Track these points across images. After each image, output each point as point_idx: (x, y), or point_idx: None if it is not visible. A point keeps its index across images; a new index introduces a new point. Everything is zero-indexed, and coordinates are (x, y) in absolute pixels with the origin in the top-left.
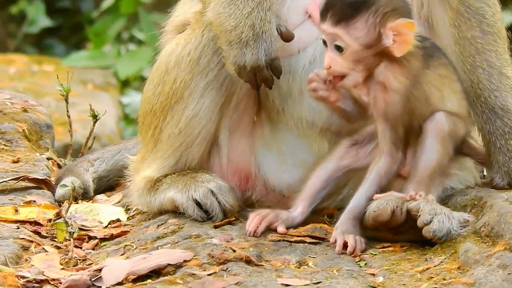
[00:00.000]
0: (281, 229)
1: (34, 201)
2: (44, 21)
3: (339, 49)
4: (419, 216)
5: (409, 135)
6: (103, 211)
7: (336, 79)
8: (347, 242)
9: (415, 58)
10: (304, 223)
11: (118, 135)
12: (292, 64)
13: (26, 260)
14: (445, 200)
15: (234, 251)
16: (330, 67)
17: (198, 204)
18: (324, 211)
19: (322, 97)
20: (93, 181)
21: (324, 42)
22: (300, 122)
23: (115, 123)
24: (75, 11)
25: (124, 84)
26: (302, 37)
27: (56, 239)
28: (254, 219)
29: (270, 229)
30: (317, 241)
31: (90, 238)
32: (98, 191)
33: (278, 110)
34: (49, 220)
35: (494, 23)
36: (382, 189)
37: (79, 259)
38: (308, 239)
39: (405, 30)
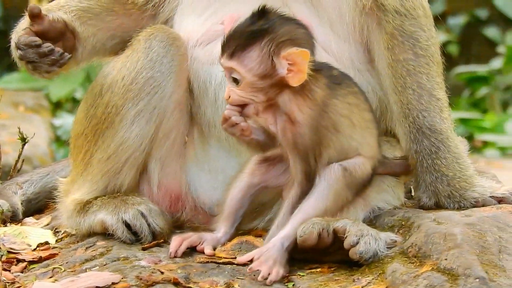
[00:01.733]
0: (208, 250)
1: None
2: None
3: (235, 81)
4: (346, 237)
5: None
6: (31, 234)
7: (238, 108)
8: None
9: (319, 87)
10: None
11: (50, 157)
12: (220, 72)
13: None
14: (372, 220)
15: (162, 273)
16: (229, 97)
17: (127, 226)
18: (252, 232)
19: (240, 130)
20: (21, 203)
21: (224, 75)
22: (229, 136)
23: (47, 145)
24: (8, 33)
25: (56, 106)
26: (214, 50)
27: None
28: (176, 241)
29: (197, 251)
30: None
31: (19, 261)
32: (27, 214)
33: (209, 124)
34: None
35: (428, 47)
36: None
37: (8, 282)
38: (236, 261)
39: (298, 59)
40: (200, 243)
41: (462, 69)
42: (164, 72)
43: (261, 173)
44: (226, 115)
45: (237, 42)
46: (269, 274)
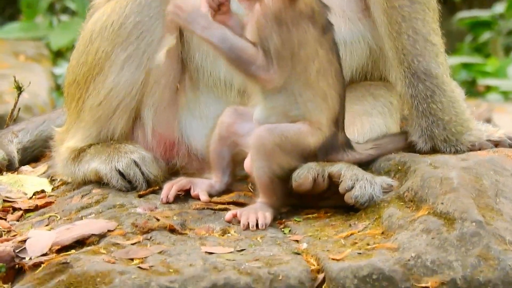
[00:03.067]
0: (203, 197)
1: None
2: None
3: None
4: (341, 182)
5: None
6: (27, 182)
7: None
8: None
9: (306, 5)
10: (228, 191)
11: (51, 106)
12: None
13: None
14: (368, 165)
15: (158, 220)
16: None
17: (121, 174)
18: (248, 179)
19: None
20: (17, 152)
21: None
22: (218, 82)
23: (48, 94)
24: None
25: (57, 55)
26: None
27: None
28: (166, 186)
29: (193, 198)
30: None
31: (15, 209)
32: (23, 162)
33: (198, 69)
34: None
35: None
36: None
37: (4, 231)
38: (232, 207)
39: None
40: (190, 187)
41: (464, 14)
42: (152, 16)
43: (228, 125)
44: (190, 9)
45: None
46: (257, 219)
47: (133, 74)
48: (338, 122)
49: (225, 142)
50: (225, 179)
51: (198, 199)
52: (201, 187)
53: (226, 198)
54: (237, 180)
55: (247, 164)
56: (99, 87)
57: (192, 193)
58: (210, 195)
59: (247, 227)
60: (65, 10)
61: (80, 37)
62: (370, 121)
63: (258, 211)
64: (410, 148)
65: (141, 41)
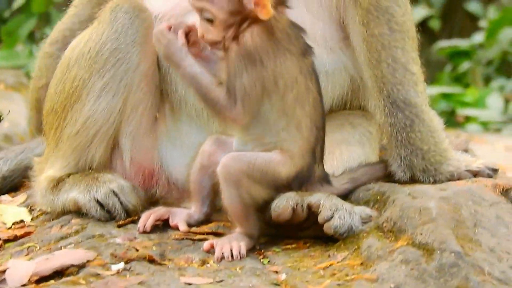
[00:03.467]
0: (182, 227)
1: None
2: None
3: (208, 20)
4: (320, 212)
5: None
6: (7, 212)
7: (210, 45)
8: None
9: (280, 30)
10: (207, 221)
11: (30, 135)
12: None
13: None
14: (347, 195)
15: (137, 250)
16: (204, 35)
17: (100, 204)
18: None
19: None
20: None
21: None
22: (201, 112)
23: (27, 123)
24: None
25: None
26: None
27: None
28: (144, 216)
29: (172, 228)
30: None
31: None
32: (2, 192)
33: (180, 100)
34: None
35: (403, 22)
36: None
37: None
38: (211, 237)
39: None
40: (168, 216)
41: (444, 43)
42: (129, 44)
43: (209, 154)
44: (166, 42)
45: None
46: (231, 250)
47: (110, 101)
48: (315, 153)
49: (206, 171)
50: (204, 209)
51: (177, 229)
52: (179, 216)
53: (205, 228)
54: (217, 210)
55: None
56: (77, 116)
57: (171, 223)
58: (189, 225)
59: (222, 258)
60: (45, 38)
61: (59, 64)
62: (348, 150)
63: (233, 241)
64: (389, 177)
65: (118, 69)
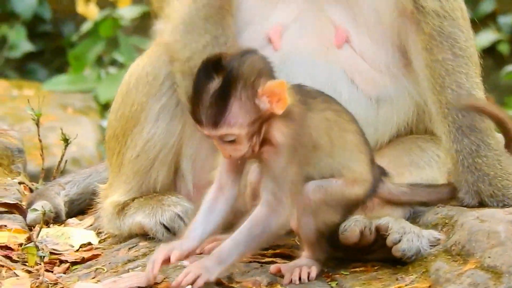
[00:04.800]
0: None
1: (5, 226)
2: (25, 46)
3: (231, 142)
4: (388, 235)
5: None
6: (74, 235)
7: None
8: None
9: (294, 104)
10: (275, 246)
11: (98, 158)
12: None
13: None
14: (415, 218)
15: None
16: (231, 156)
17: (166, 228)
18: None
19: None
20: (64, 204)
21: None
22: None
23: (95, 147)
24: (57, 35)
25: (105, 108)
26: None
27: (27, 264)
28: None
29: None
30: (287, 261)
31: (61, 262)
32: (70, 215)
33: None
34: (20, 245)
35: (467, 48)
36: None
37: (50, 283)
38: (278, 260)
39: (276, 89)
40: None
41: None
42: None
43: (256, 183)
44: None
45: (214, 108)
46: (300, 275)
47: (168, 124)
48: (373, 158)
49: (257, 199)
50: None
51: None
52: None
53: (271, 251)
54: None
55: (292, 221)
56: (136, 139)
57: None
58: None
59: (290, 282)
60: (113, 62)
61: (118, 90)
62: (418, 172)
63: (303, 266)
64: (453, 201)
65: (174, 92)
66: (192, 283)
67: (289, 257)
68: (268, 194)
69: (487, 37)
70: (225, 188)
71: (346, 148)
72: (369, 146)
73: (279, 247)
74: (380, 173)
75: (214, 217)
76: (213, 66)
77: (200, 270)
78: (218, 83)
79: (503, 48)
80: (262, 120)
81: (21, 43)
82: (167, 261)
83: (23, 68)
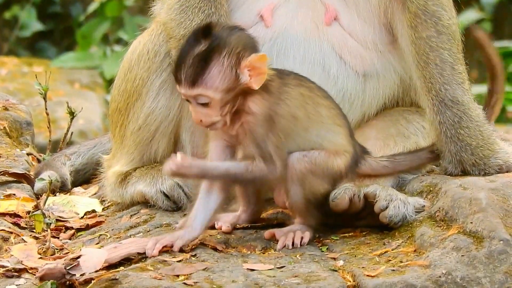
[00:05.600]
0: (225, 228)
1: (14, 194)
2: (35, 25)
3: (204, 104)
4: (376, 202)
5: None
6: (79, 203)
7: (208, 126)
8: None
9: (269, 79)
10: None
11: (104, 131)
12: None
13: (6, 250)
14: (402, 186)
15: (203, 238)
16: (201, 120)
17: (166, 196)
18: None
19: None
20: (70, 174)
21: (186, 100)
22: None
23: (101, 120)
24: (66, 16)
25: (110, 83)
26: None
27: (34, 230)
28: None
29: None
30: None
31: (67, 228)
32: (75, 184)
33: None
34: (28, 212)
35: (449, 25)
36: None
37: (56, 249)
38: (275, 222)
39: (258, 63)
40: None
41: (495, 45)
42: None
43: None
44: (180, 170)
45: (194, 67)
46: (294, 240)
47: (168, 99)
48: (352, 132)
49: None
50: (251, 207)
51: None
52: (225, 219)
53: (265, 215)
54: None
55: (277, 196)
56: (138, 113)
57: (216, 226)
58: (233, 226)
59: (284, 247)
60: (118, 40)
61: (120, 66)
62: (403, 142)
63: (295, 231)
64: (436, 164)
65: None
66: None
67: (282, 224)
68: (259, 159)
69: (471, 15)
70: None
71: (323, 121)
72: (346, 120)
73: (270, 211)
74: (361, 151)
75: (211, 203)
76: (202, 32)
77: None
78: (204, 47)
79: (486, 27)
80: (238, 92)
81: (32, 23)
82: (169, 247)
83: (33, 47)
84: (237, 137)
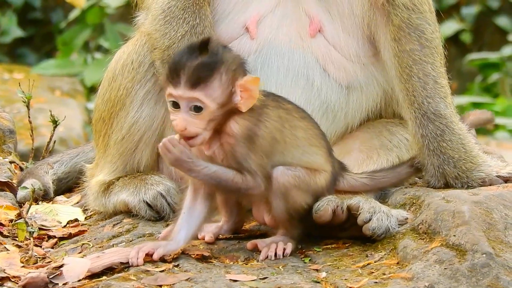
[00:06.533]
0: (208, 238)
1: None
2: (16, 32)
3: (197, 109)
4: (359, 214)
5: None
6: (62, 212)
7: (186, 139)
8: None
9: (256, 103)
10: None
11: (84, 139)
12: None
13: None
14: (384, 198)
15: (185, 249)
16: (186, 128)
17: (149, 205)
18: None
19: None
20: (53, 182)
21: (174, 104)
22: None
23: (82, 128)
24: (46, 22)
25: (91, 91)
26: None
27: (17, 239)
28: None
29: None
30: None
31: (50, 237)
32: (58, 193)
33: None
34: (11, 221)
35: (433, 39)
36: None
37: (39, 257)
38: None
39: (251, 86)
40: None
41: (474, 56)
42: None
43: None
44: (177, 153)
45: (198, 72)
46: (276, 251)
47: (152, 109)
48: (330, 150)
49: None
50: (233, 218)
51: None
52: (207, 229)
53: (247, 227)
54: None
55: (255, 212)
56: (122, 122)
57: (199, 236)
58: (220, 236)
59: (266, 258)
60: (99, 48)
61: (104, 75)
62: (386, 154)
63: (278, 242)
64: (417, 177)
65: (158, 78)
66: None
67: (265, 235)
68: (244, 173)
69: (452, 26)
70: (200, 189)
71: (298, 144)
72: (325, 139)
73: (253, 223)
74: (340, 168)
75: (194, 218)
76: (200, 45)
77: None
78: (210, 59)
79: (466, 37)
80: (226, 111)
81: (12, 29)
82: (150, 255)
83: (13, 53)
84: (211, 159)
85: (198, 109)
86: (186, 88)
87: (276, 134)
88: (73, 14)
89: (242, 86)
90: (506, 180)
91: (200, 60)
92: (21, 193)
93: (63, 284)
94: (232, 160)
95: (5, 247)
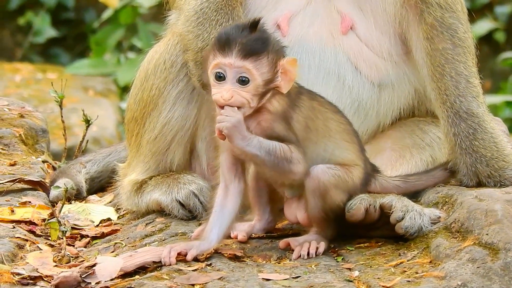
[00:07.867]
0: (241, 237)
1: (30, 202)
2: (49, 32)
3: (243, 82)
4: (392, 213)
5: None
6: (94, 211)
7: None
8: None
9: (293, 89)
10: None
11: (118, 138)
12: None
13: (21, 258)
14: (417, 197)
15: (218, 248)
16: (232, 97)
17: (182, 204)
18: None
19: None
20: (85, 182)
21: (219, 76)
22: None
23: (115, 127)
24: (79, 22)
25: (124, 91)
26: None
27: (50, 238)
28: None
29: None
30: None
31: (82, 236)
32: (90, 192)
33: None
34: (44, 220)
35: (465, 39)
36: None
37: (72, 257)
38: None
39: (291, 67)
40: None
41: (508, 54)
42: None
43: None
44: (235, 119)
45: (252, 44)
46: (309, 250)
47: (185, 109)
48: (362, 149)
49: (262, 180)
50: (265, 217)
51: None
52: (240, 228)
53: (280, 225)
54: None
55: (287, 210)
56: (154, 122)
57: (232, 235)
58: (252, 235)
59: (299, 257)
60: (132, 48)
61: (137, 75)
62: (419, 153)
63: (312, 241)
64: (451, 180)
65: (190, 78)
66: None
67: (298, 234)
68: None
69: (485, 25)
70: (231, 186)
71: (331, 135)
72: (357, 136)
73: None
74: (372, 169)
75: (226, 216)
76: (252, 24)
77: None
78: (261, 36)
79: (499, 36)
80: (268, 90)
81: (45, 29)
82: (182, 255)
83: (47, 53)
84: None
85: (244, 82)
86: (237, 58)
87: (309, 122)
88: (106, 14)
89: (283, 66)
90: None
91: (253, 35)
92: (53, 193)
93: (96, 283)
94: (271, 137)
95: (38, 246)
